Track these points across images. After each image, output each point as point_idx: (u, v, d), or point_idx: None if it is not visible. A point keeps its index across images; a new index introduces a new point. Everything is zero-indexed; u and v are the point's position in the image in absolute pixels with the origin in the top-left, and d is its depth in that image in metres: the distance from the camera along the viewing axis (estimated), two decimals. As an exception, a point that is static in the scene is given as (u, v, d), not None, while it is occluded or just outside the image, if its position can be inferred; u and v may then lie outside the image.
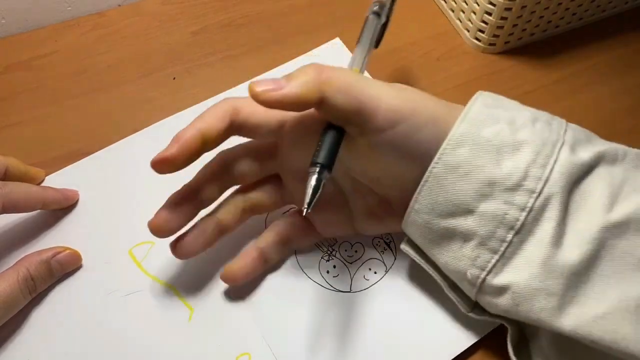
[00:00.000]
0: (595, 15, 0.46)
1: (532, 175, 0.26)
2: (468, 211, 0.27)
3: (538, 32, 0.44)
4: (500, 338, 0.32)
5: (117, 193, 0.36)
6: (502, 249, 0.26)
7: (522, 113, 0.28)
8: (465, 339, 0.31)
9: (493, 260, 0.26)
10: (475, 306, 0.30)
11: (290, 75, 0.26)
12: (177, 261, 0.33)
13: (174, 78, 0.42)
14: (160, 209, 0.30)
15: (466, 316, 0.32)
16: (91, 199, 0.36)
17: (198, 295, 0.33)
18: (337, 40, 0.44)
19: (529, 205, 0.25)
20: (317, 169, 0.26)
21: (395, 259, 0.34)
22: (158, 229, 0.29)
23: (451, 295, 0.30)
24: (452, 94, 0.42)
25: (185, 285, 0.33)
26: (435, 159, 0.27)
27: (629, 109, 0.28)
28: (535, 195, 0.25)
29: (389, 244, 0.35)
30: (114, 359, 0.31)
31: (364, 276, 0.34)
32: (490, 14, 0.41)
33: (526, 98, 0.42)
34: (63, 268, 0.32)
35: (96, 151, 0.37)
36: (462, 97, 0.28)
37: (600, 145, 0.27)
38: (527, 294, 0.26)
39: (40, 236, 0.34)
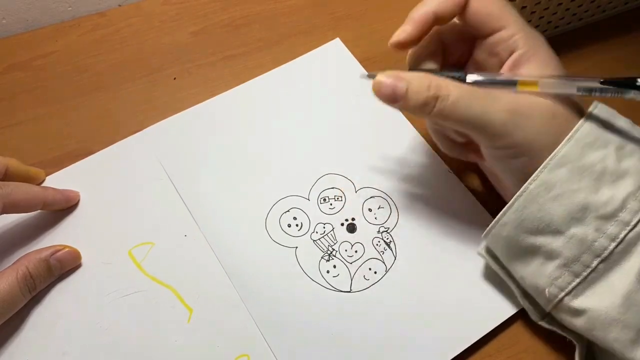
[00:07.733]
0: (595, 15, 0.46)
1: (629, 208, 0.25)
2: (557, 232, 0.26)
3: (538, 32, 0.44)
4: (499, 339, 0.32)
5: (117, 193, 0.36)
6: (585, 273, 0.26)
7: (636, 136, 0.27)
8: (464, 339, 0.31)
9: (574, 283, 0.26)
10: (546, 315, 0.30)
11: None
12: (177, 262, 0.33)
13: (174, 78, 0.42)
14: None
15: (465, 317, 0.32)
16: (91, 199, 0.36)
17: (197, 296, 0.33)
18: (337, 40, 0.44)
19: (621, 236, 0.25)
20: None
21: (395, 259, 0.34)
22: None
23: (523, 303, 0.30)
24: (452, 94, 0.42)
25: (185, 286, 0.33)
26: (533, 176, 0.26)
27: (628, 109, 0.29)
28: (629, 228, 0.25)
29: (389, 244, 0.35)
30: (113, 359, 0.31)
31: (364, 276, 0.34)
32: (490, 14, 0.41)
33: (526, 98, 0.42)
34: (62, 266, 0.32)
35: (96, 151, 0.37)
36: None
37: None
38: (604, 321, 0.26)
39: (40, 236, 0.34)
